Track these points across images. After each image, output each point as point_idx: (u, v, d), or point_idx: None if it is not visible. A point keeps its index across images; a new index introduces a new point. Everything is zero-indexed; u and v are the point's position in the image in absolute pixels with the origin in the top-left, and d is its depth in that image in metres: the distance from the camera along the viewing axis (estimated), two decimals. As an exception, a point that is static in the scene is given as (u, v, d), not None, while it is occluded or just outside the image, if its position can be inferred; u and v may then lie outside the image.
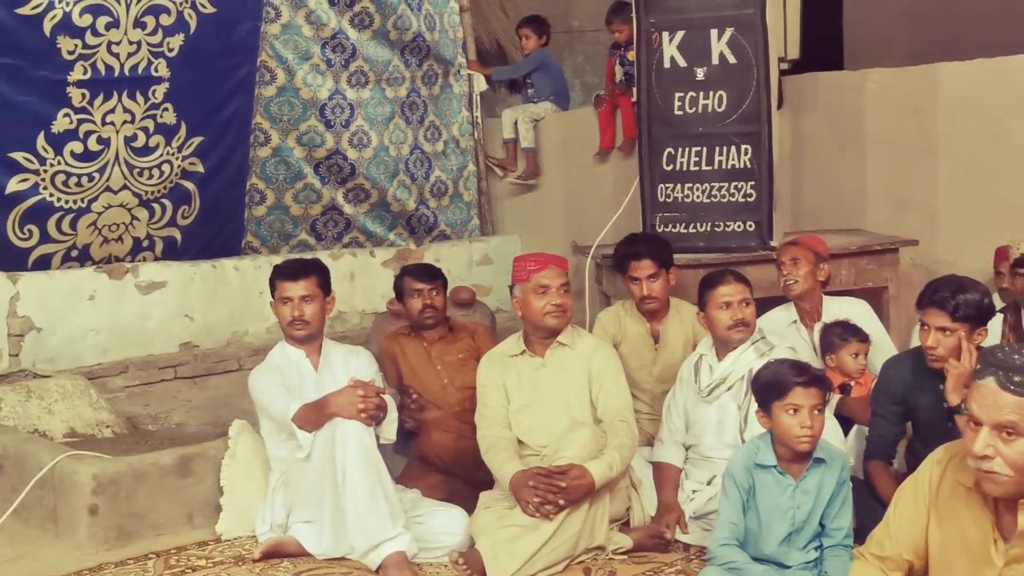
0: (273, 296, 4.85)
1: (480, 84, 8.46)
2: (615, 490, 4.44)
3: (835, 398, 4.95)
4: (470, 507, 4.53)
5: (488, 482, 4.55)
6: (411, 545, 4.30)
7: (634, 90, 6.54)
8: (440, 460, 5.04)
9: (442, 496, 4.77)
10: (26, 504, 4.68)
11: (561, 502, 4.17)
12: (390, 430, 4.64)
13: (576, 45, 9.73)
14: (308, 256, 6.54)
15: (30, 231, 6.51)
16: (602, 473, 4.25)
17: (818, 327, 5.36)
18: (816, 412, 3.78)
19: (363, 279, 7.77)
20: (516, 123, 8.39)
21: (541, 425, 4.56)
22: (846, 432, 4.78)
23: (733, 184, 6.21)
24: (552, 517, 4.18)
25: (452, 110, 8.40)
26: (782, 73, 6.40)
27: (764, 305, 5.27)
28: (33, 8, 6.18)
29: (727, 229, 6.26)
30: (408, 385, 5.19)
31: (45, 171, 6.45)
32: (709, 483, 4.63)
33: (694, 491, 4.69)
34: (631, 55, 7.25)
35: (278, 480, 4.64)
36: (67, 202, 6.58)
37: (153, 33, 6.63)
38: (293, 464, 4.57)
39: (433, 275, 5.36)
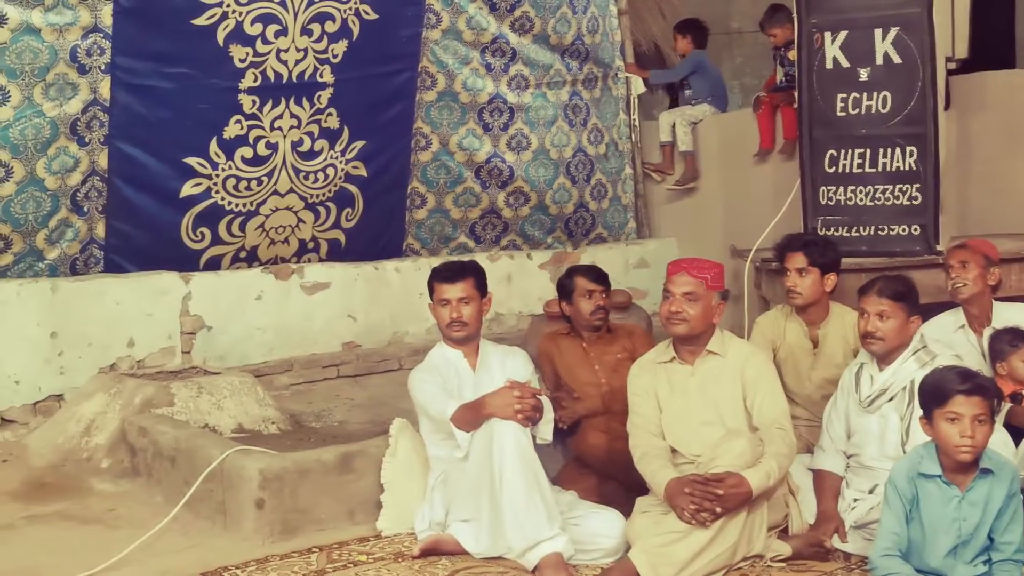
0: (431, 298, 4.92)
1: (638, 87, 8.44)
2: (773, 498, 4.38)
3: (1006, 407, 4.79)
4: (624, 510, 4.52)
5: (643, 485, 4.54)
6: (568, 546, 4.32)
7: (795, 92, 6.44)
8: (595, 461, 5.05)
9: (597, 498, 4.77)
10: (197, 496, 4.84)
11: (718, 510, 4.13)
12: (547, 431, 4.66)
13: (735, 46, 9.64)
14: (466, 258, 6.61)
15: (202, 233, 6.76)
16: (760, 482, 4.20)
17: (987, 332, 5.19)
18: (979, 422, 3.67)
19: (520, 281, 7.83)
20: (673, 126, 8.35)
21: (695, 434, 4.52)
22: (1018, 443, 4.62)
23: (898, 187, 6.07)
24: (708, 525, 4.14)
25: (611, 113, 8.40)
26: (950, 73, 6.22)
27: (930, 311, 5.13)
28: (207, 19, 6.41)
29: (891, 233, 6.13)
30: (565, 385, 5.21)
31: (217, 175, 6.69)
32: (871, 492, 4.53)
33: (855, 500, 4.59)
34: (791, 55, 7.15)
35: (437, 479, 4.71)
36: (237, 205, 6.81)
37: (319, 40, 6.80)
38: (452, 463, 4.64)
39: (602, 277, 5.37)
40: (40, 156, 6.12)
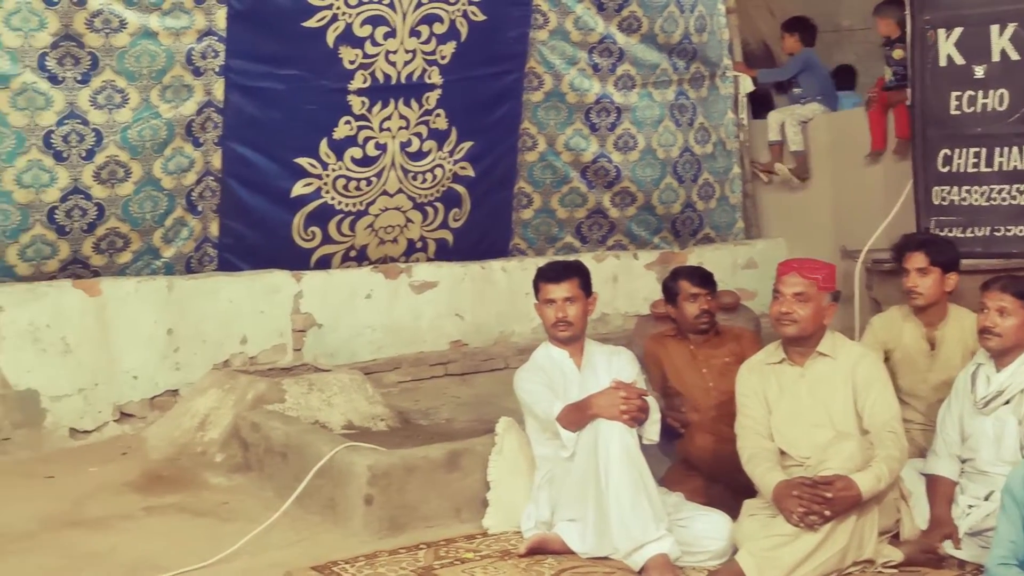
0: (537, 298, 4.94)
1: (746, 86, 8.36)
2: (883, 502, 4.30)
3: None
4: (731, 512, 4.48)
5: (750, 488, 4.50)
6: (674, 548, 4.30)
7: (907, 90, 6.32)
8: (702, 463, 5.01)
9: (703, 500, 4.74)
10: (307, 492, 4.92)
11: (827, 513, 4.07)
12: (653, 431, 4.65)
13: (845, 44, 9.48)
14: (572, 258, 6.61)
15: (313, 232, 6.87)
16: (869, 485, 4.13)
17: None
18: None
19: (626, 281, 7.82)
20: (782, 125, 8.25)
21: (804, 436, 4.45)
22: None
23: (1015, 187, 5.92)
24: (816, 528, 4.09)
25: (719, 112, 8.33)
26: (1070, 69, 6.05)
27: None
28: (318, 21, 6.52)
29: (1007, 234, 5.98)
30: (672, 387, 5.19)
31: (327, 176, 6.80)
32: (987, 498, 4.43)
33: (970, 506, 4.49)
34: (896, 54, 7.03)
35: (543, 478, 4.72)
36: (347, 205, 6.91)
37: (427, 42, 6.87)
38: (557, 463, 4.65)
39: (707, 279, 5.33)
40: (157, 157, 6.28)
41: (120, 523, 4.93)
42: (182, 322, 6.31)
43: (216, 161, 6.53)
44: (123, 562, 4.47)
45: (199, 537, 4.73)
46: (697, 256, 7.87)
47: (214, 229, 6.65)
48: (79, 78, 6.02)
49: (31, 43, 5.86)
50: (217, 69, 6.38)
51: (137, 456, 5.78)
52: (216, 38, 6.34)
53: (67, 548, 4.63)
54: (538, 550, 4.51)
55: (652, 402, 4.66)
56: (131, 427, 6.12)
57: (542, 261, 6.32)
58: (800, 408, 4.51)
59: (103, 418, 6.10)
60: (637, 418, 4.48)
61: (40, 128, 5.95)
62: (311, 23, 6.51)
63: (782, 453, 4.48)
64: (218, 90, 6.41)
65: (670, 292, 5.36)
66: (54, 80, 5.95)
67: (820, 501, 4.07)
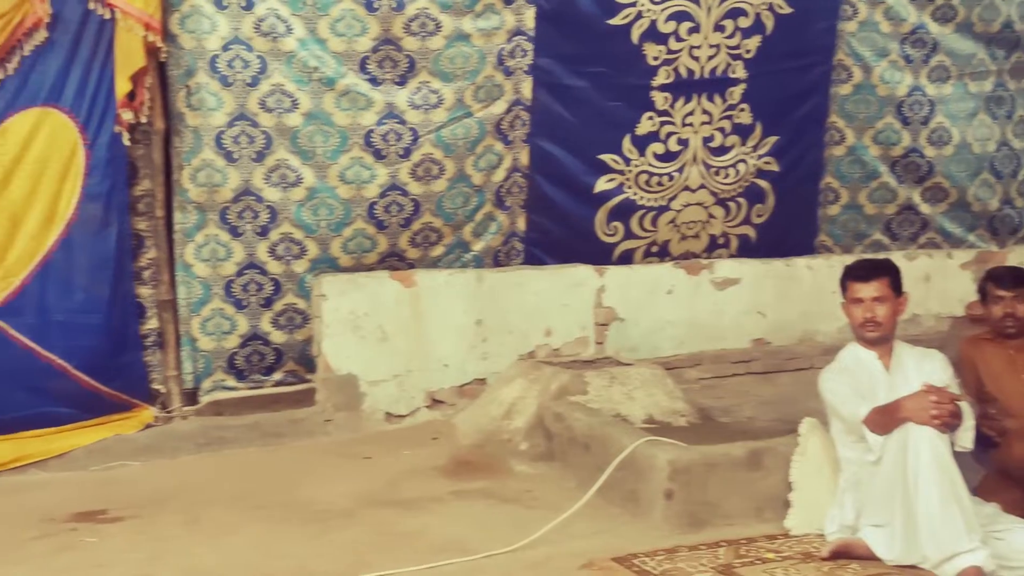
0: (844, 297, 4.84)
1: (1075, 75, 7.85)
2: None
3: None
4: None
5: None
6: (988, 560, 4.11)
7: None
8: (1021, 473, 4.77)
9: (1021, 513, 4.51)
10: (608, 483, 4.98)
11: None
12: (966, 438, 4.46)
13: None
14: (881, 256, 6.43)
15: (615, 228, 6.95)
16: None
17: None
18: None
19: (939, 281, 7.51)
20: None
21: None
22: None
23: None
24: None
25: (1041, 104, 7.88)
26: None
27: None
28: (623, 18, 6.60)
29: None
30: (988, 392, 4.96)
31: (630, 171, 6.87)
32: None
33: None
34: None
35: (848, 481, 4.62)
36: (649, 200, 6.96)
37: (731, 36, 6.83)
38: (863, 466, 4.54)
39: (1019, 281, 5.07)
40: (469, 155, 6.52)
41: (430, 505, 5.16)
42: (490, 313, 6.52)
43: (523, 158, 6.71)
44: (432, 542, 4.67)
45: (503, 523, 4.88)
46: (1018, 256, 7.44)
47: (521, 224, 6.84)
48: (397, 80, 6.34)
49: (354, 47, 6.22)
50: (526, 68, 6.56)
51: (447, 442, 6.04)
52: (525, 38, 6.52)
53: (382, 526, 4.89)
54: (842, 554, 4.42)
55: (965, 407, 4.47)
56: (441, 413, 6.39)
57: (849, 259, 6.19)
58: None
59: (416, 403, 6.40)
60: (949, 424, 4.32)
61: (361, 128, 6.30)
62: (616, 21, 6.60)
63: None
64: (526, 89, 6.59)
65: (982, 293, 5.15)
66: (374, 82, 6.29)
67: None
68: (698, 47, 6.79)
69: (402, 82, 6.35)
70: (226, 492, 5.34)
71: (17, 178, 5.69)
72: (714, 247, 7.26)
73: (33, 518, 5.01)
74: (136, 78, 5.83)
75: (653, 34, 6.68)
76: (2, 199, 5.67)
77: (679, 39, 6.73)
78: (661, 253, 7.13)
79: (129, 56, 5.79)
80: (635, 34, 6.65)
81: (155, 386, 6.18)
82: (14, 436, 5.75)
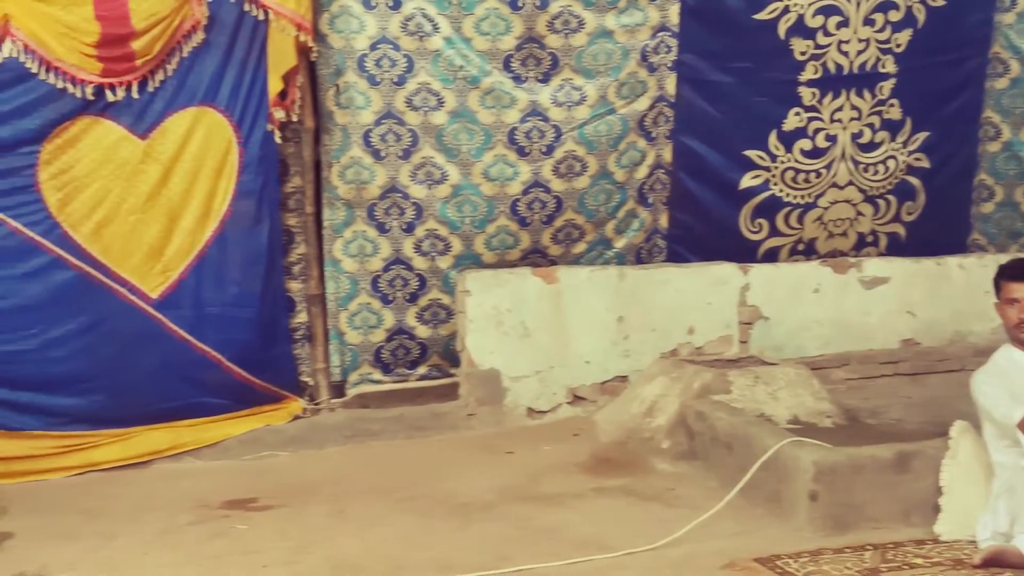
0: (997, 296, 4.72)
1: None
2: None
3: None
4: None
5: None
6: None
7: None
8: None
9: None
10: (751, 484, 4.94)
11: None
12: None
13: None
14: (1039, 255, 6.23)
15: (760, 225, 6.88)
16: None
17: None
18: None
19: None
20: None
21: None
22: None
23: None
24: None
25: None
26: None
27: None
28: (769, 13, 6.54)
29: None
30: None
31: (775, 168, 6.79)
32: None
33: None
34: None
35: (1002, 487, 4.48)
36: (795, 197, 6.87)
37: (881, 30, 6.71)
38: (1016, 471, 4.42)
39: None
40: (611, 151, 6.53)
41: (571, 501, 5.18)
42: (632, 311, 6.51)
43: (667, 155, 6.69)
44: (573, 538, 4.69)
45: (645, 520, 4.88)
46: None
47: (663, 221, 6.81)
48: (540, 78, 6.38)
49: (498, 46, 6.28)
50: (670, 64, 6.53)
51: (588, 438, 6.06)
52: (669, 34, 6.50)
53: (523, 520, 4.94)
54: (994, 562, 4.29)
55: None
56: (582, 410, 6.41)
57: (1003, 258, 6.00)
58: None
59: (557, 400, 6.43)
60: (1110, 429, 4.17)
61: (505, 125, 6.36)
62: (762, 16, 6.55)
63: None
64: (670, 85, 6.57)
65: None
66: (518, 80, 6.34)
67: None
68: (847, 41, 6.69)
69: (545, 80, 6.39)
70: (371, 483, 5.46)
71: (175, 175, 5.90)
72: (862, 245, 7.13)
73: (188, 504, 5.20)
74: (288, 77, 5.99)
75: (800, 29, 6.60)
76: (161, 195, 5.88)
77: (827, 33, 6.64)
78: (807, 251, 7.02)
79: (281, 56, 5.95)
80: (782, 29, 6.59)
81: (304, 378, 6.36)
82: (170, 425, 5.98)
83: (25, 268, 5.72)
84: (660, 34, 6.49)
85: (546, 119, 6.40)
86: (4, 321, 5.70)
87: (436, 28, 6.20)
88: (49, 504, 5.30)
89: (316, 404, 6.35)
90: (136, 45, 5.68)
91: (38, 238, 5.71)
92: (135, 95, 5.78)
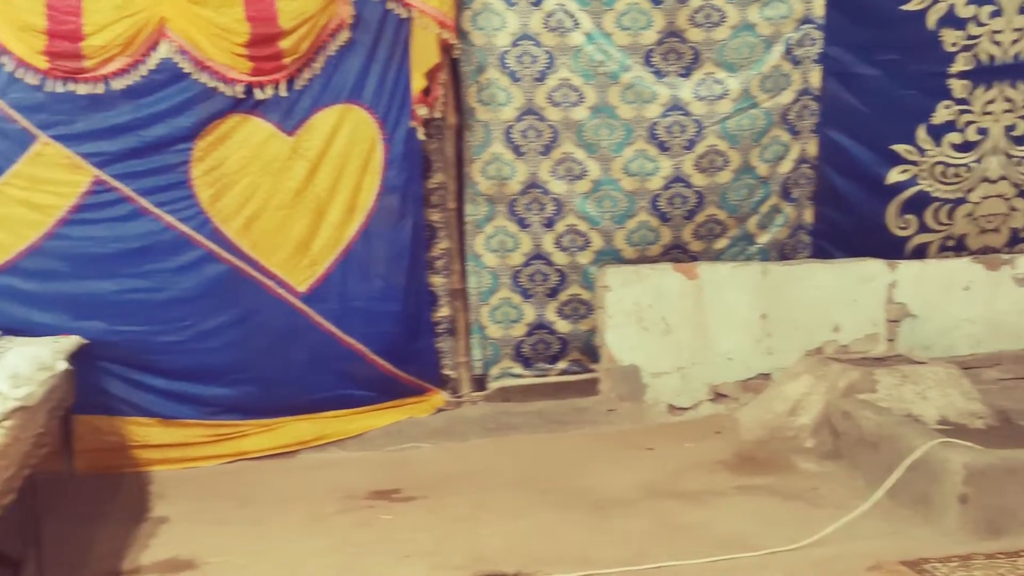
0: None
1: None
2: None
3: None
4: None
5: None
6: None
7: None
8: None
9: None
10: (898, 484, 4.84)
11: None
12: None
13: None
14: None
15: (908, 221, 6.72)
16: None
17: None
18: None
19: None
20: None
21: None
22: None
23: None
24: None
25: None
26: None
27: None
28: (918, 3, 6.41)
29: None
30: None
31: (924, 162, 6.63)
32: None
33: None
34: None
35: None
36: (945, 192, 6.69)
37: (1039, 20, 6.53)
38: None
39: None
40: (754, 146, 6.46)
41: (712, 499, 5.15)
42: (775, 308, 6.43)
43: (811, 149, 6.58)
44: (714, 536, 4.67)
45: (788, 520, 4.82)
46: None
47: (808, 216, 6.70)
48: (681, 72, 6.35)
49: (639, 41, 6.27)
50: (815, 57, 6.44)
51: (730, 436, 6.00)
52: (814, 26, 6.41)
53: (664, 517, 4.92)
54: None
55: None
56: (724, 407, 6.35)
57: None
58: None
59: (698, 397, 6.39)
60: None
61: (646, 120, 6.34)
62: (910, 6, 6.43)
63: None
64: (815, 78, 6.47)
65: None
66: (659, 75, 6.32)
67: None
68: (1000, 31, 6.51)
69: (687, 74, 6.36)
70: (512, 477, 5.50)
71: (322, 171, 6.02)
72: (1015, 241, 6.91)
73: (335, 494, 5.32)
74: (431, 75, 6.07)
75: (951, 19, 6.46)
76: (308, 191, 6.01)
77: (979, 24, 6.49)
78: (957, 247, 6.84)
79: (425, 53, 6.03)
80: (931, 19, 6.45)
81: (446, 372, 6.44)
82: (316, 416, 6.11)
83: (179, 262, 5.89)
84: (804, 27, 6.41)
85: (687, 113, 6.36)
86: (159, 313, 5.87)
87: (577, 24, 6.21)
88: (202, 490, 5.47)
89: (458, 397, 6.42)
90: (284, 44, 5.82)
91: (191, 232, 5.88)
92: (283, 93, 5.91)
